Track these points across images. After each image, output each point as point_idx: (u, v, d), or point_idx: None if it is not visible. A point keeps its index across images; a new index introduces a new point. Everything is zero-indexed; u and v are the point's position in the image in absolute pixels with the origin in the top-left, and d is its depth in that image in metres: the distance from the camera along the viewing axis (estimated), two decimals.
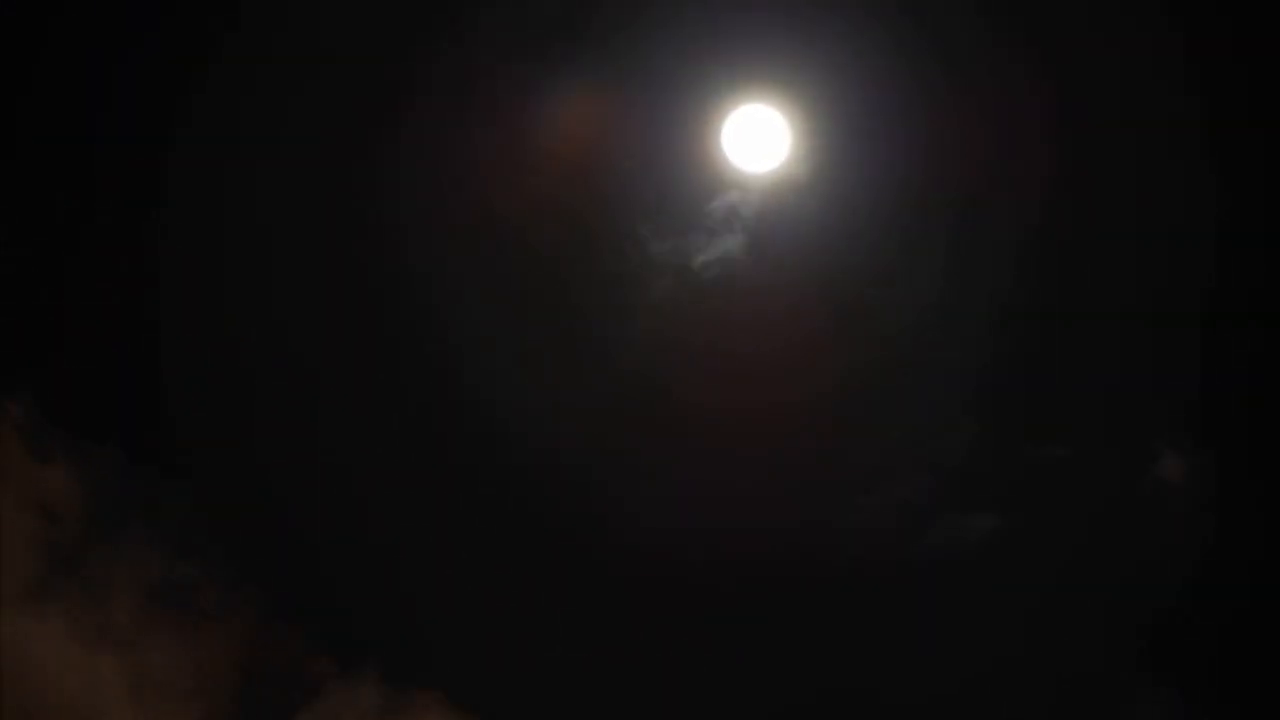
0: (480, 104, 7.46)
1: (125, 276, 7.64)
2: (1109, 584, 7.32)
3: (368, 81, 7.53)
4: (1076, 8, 7.30)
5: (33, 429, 7.98)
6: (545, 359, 7.56)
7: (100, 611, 7.91)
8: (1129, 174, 7.61)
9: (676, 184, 7.50)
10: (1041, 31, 7.59)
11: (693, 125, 7.44)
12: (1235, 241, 7.25)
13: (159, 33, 7.38)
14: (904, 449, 7.45)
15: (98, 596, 7.88)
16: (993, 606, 7.36)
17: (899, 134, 7.41)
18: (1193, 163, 7.25)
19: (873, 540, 7.43)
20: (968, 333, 7.40)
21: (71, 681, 7.63)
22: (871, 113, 7.38)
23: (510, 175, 7.44)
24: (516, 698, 7.11)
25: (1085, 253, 7.50)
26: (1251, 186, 7.39)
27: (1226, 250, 7.19)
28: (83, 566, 8.03)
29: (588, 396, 7.53)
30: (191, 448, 7.81)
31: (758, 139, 7.44)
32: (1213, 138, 7.18)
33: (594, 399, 7.53)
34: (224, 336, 7.55)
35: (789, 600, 7.28)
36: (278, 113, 7.45)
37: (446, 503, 7.35)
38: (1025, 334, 7.42)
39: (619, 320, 7.58)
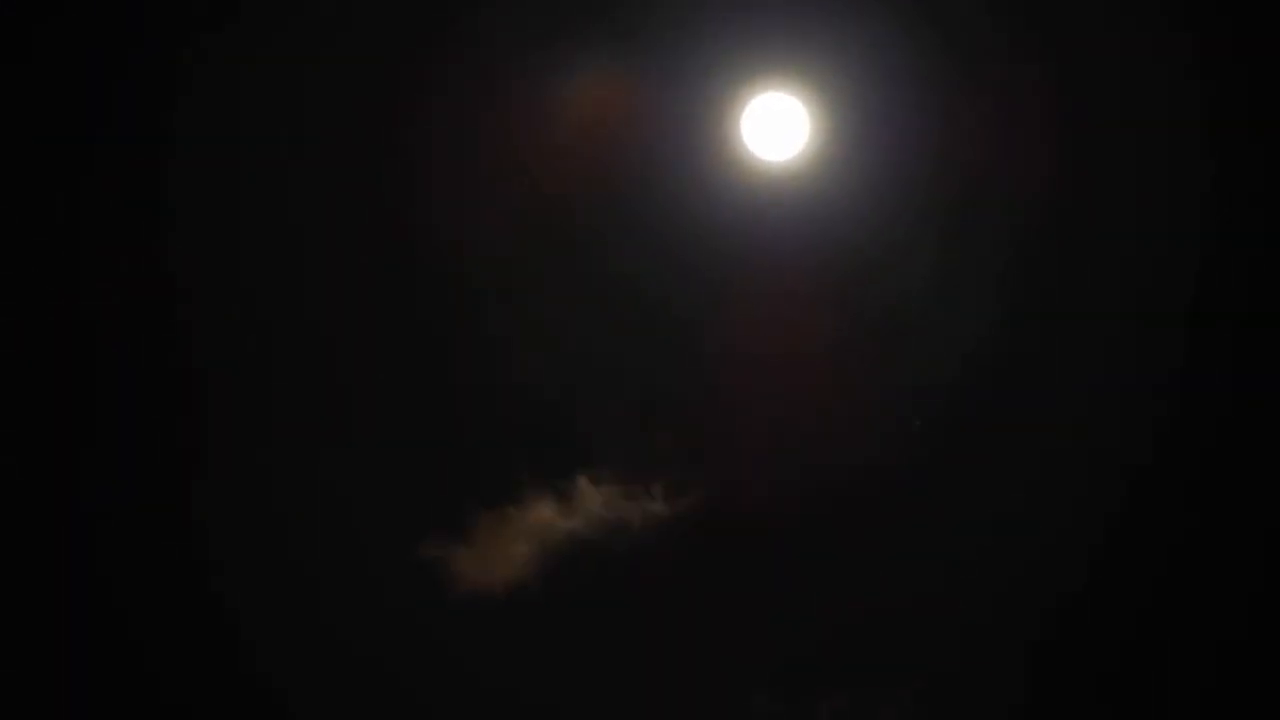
0: (497, 93, 7.48)
1: None
2: None
3: (385, 70, 7.53)
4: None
5: None
6: (562, 347, 7.59)
7: None
8: (1146, 166, 7.61)
9: (695, 171, 7.52)
10: (1061, 22, 7.59)
11: (711, 113, 7.44)
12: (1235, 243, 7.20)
13: (175, 30, 7.39)
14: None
15: None
16: None
17: (919, 123, 7.42)
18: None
19: None
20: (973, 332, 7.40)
21: None
22: (891, 101, 7.39)
23: (527, 163, 7.46)
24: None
25: (1097, 249, 7.49)
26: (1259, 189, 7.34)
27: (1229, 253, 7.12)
28: None
29: (603, 382, 7.56)
30: None
31: (777, 127, 7.45)
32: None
33: (607, 387, 7.56)
34: None
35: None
36: (292, 108, 7.48)
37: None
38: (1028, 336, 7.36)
39: (636, 309, 7.60)
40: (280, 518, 7.06)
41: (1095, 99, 7.61)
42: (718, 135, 7.47)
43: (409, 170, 7.53)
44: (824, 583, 7.16)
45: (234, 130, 7.44)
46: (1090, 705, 7.11)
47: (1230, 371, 7.17)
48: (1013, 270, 7.59)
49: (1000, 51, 7.48)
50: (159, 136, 7.16)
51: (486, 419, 7.53)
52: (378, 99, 7.59)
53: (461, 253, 7.39)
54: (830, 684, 6.97)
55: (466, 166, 7.60)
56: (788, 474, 7.45)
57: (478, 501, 7.22)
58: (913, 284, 7.54)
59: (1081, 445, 7.34)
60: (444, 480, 7.28)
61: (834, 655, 6.99)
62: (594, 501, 6.77)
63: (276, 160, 7.49)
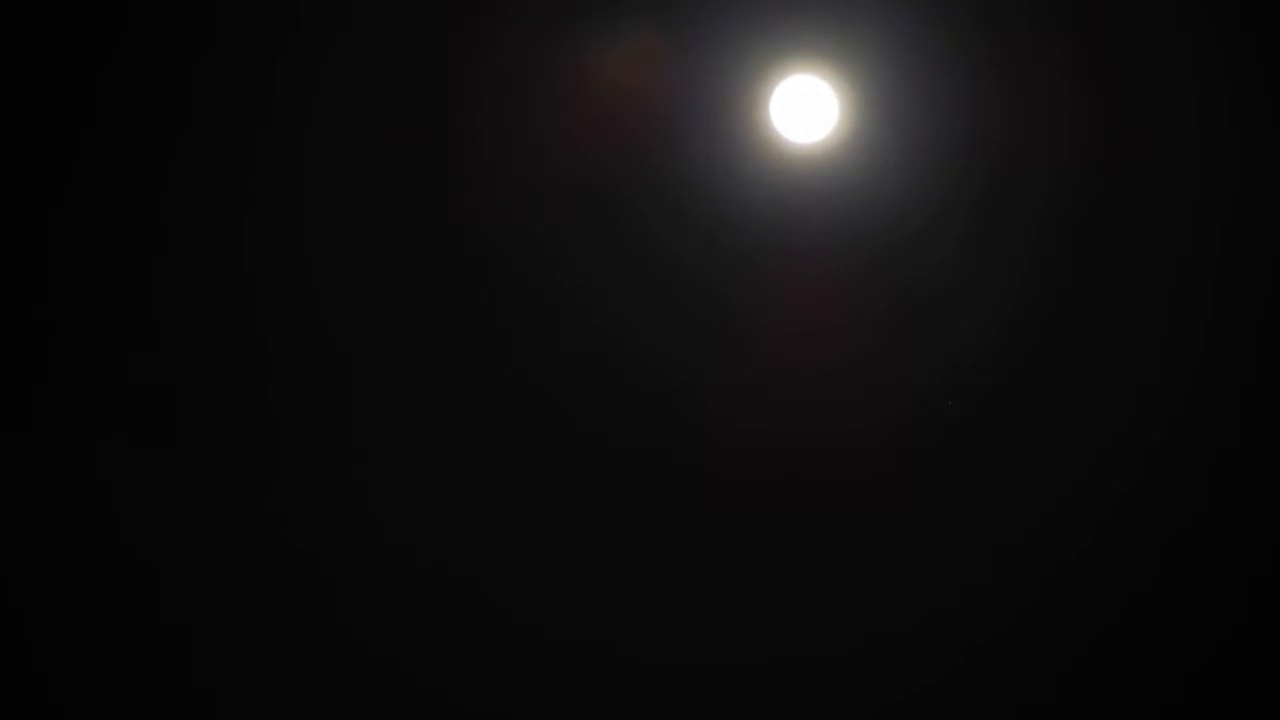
0: (519, 73, 7.32)
1: None
2: None
3: (413, 45, 7.47)
4: None
5: None
6: (584, 331, 7.48)
7: None
8: (1178, 154, 7.43)
9: (721, 154, 7.34)
10: (1095, 4, 7.42)
11: (739, 95, 7.27)
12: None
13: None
14: None
15: None
16: None
17: (947, 108, 7.24)
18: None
19: None
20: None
21: None
22: (919, 86, 7.21)
23: (550, 145, 7.31)
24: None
25: (1125, 234, 7.40)
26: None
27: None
28: None
29: (627, 362, 7.46)
30: None
31: (805, 110, 7.26)
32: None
33: (630, 368, 7.45)
34: None
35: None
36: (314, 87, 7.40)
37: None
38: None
39: (658, 293, 7.46)
40: None
41: (1127, 85, 7.40)
42: (745, 117, 7.27)
43: (428, 153, 7.44)
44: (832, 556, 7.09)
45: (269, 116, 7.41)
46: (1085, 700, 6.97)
47: (1255, 364, 6.98)
48: (1039, 255, 7.42)
49: (1032, 36, 7.27)
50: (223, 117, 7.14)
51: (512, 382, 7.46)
52: (409, 78, 7.48)
53: (489, 227, 7.35)
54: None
55: (487, 149, 7.47)
56: (808, 447, 7.32)
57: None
58: (938, 267, 7.38)
59: (1100, 432, 7.17)
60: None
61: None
62: None
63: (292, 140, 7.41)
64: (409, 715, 6.43)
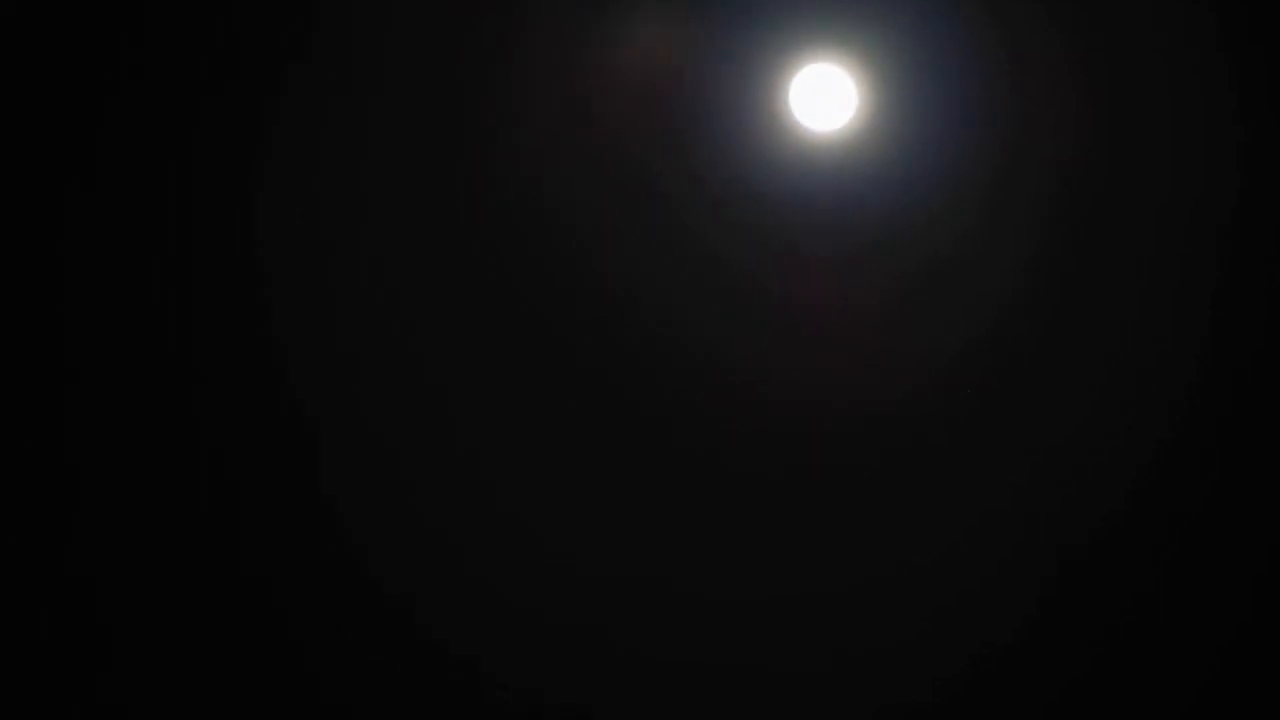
0: (540, 61, 7.34)
1: None
2: None
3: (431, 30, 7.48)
4: None
5: None
6: (598, 320, 7.51)
7: None
8: (1184, 147, 7.48)
9: (741, 143, 7.39)
10: (1101, 4, 7.48)
11: (758, 83, 7.30)
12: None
13: None
14: None
15: None
16: None
17: (965, 98, 7.27)
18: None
19: None
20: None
21: None
22: (939, 75, 7.25)
23: (566, 134, 7.32)
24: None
25: (1133, 224, 7.42)
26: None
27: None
28: None
29: (641, 349, 7.50)
30: None
31: (824, 98, 7.29)
32: None
33: (645, 354, 7.49)
34: None
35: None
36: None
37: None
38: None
39: (673, 281, 7.50)
40: None
41: (1141, 78, 7.44)
42: (764, 106, 7.33)
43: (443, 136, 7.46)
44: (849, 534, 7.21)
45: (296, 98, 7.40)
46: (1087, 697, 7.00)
47: (1258, 354, 7.04)
48: (1050, 246, 7.47)
49: (1046, 28, 7.31)
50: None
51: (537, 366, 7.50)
52: (426, 73, 7.50)
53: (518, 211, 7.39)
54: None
55: (505, 139, 7.49)
56: (821, 431, 7.39)
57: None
58: (954, 257, 7.43)
59: (1101, 431, 7.21)
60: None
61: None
62: None
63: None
64: (415, 713, 6.47)
